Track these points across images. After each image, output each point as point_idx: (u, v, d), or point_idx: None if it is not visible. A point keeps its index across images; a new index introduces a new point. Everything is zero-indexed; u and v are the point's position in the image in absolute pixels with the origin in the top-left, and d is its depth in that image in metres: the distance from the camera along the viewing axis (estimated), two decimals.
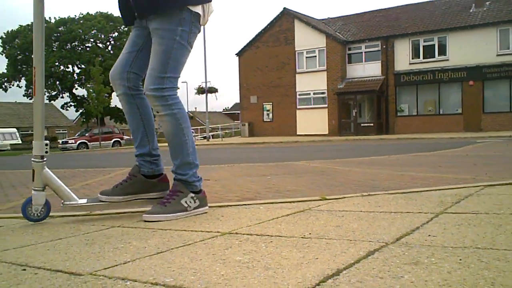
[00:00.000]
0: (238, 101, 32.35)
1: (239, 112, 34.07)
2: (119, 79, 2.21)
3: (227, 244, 1.59)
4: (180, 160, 2.18)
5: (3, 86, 39.08)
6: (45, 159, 2.19)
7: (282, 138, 23.95)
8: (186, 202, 2.18)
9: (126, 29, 40.36)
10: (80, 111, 41.28)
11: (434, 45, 24.47)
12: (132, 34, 2.23)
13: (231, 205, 2.54)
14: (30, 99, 39.72)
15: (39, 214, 2.21)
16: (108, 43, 40.67)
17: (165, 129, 2.14)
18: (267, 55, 28.42)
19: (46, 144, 2.19)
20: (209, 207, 2.49)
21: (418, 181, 3.69)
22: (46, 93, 39.48)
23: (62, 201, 2.26)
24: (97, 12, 40.34)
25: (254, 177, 4.52)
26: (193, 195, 2.22)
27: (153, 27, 2.07)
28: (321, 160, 7.17)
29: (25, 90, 39.02)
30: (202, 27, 2.19)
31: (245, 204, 2.57)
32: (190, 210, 2.21)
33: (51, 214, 2.58)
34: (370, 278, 1.14)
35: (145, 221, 2.12)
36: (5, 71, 39.03)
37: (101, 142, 29.00)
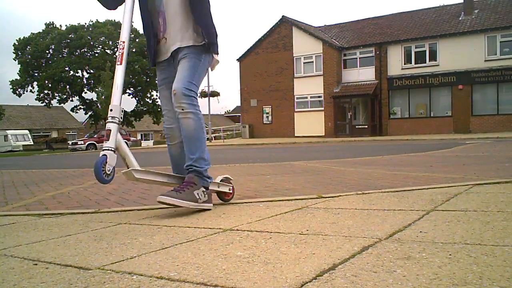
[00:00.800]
0: (239, 104, 32.34)
1: (240, 114, 34.07)
2: (179, 133, 2.41)
3: (228, 240, 1.59)
4: (198, 154, 2.29)
5: (17, 92, 39.04)
6: (120, 122, 2.16)
7: (280, 140, 23.94)
8: (197, 194, 2.25)
9: (133, 36, 40.34)
10: (89, 113, 41.28)
11: (425, 51, 24.47)
12: (167, 93, 2.44)
13: (232, 203, 2.54)
14: (42, 102, 39.66)
15: (109, 175, 2.08)
16: (115, 49, 40.71)
17: (188, 125, 2.27)
18: (267, 61, 28.41)
19: (122, 110, 2.17)
20: (212, 204, 2.50)
21: (410, 180, 3.69)
22: (56, 96, 39.56)
23: (128, 167, 2.20)
24: (106, 20, 40.41)
25: (254, 176, 4.51)
26: (204, 189, 2.30)
27: (183, 54, 2.34)
28: (318, 160, 7.16)
29: (37, 94, 38.98)
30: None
31: (245, 202, 2.57)
32: (200, 203, 2.26)
33: (61, 211, 2.59)
34: (365, 273, 1.14)
35: (160, 201, 2.14)
36: (17, 76, 39.02)
37: None
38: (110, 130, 2.09)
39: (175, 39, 2.38)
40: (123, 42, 2.22)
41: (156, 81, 2.57)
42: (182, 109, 2.25)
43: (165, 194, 2.16)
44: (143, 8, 2.40)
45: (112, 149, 2.08)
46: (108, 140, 2.08)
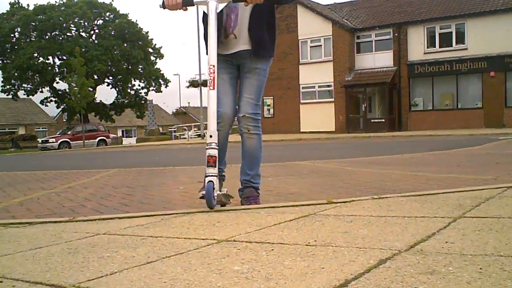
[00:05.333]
0: None
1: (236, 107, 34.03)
2: (230, 121, 2.88)
3: (224, 253, 1.59)
4: (255, 171, 2.88)
5: None
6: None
7: (284, 136, 23.95)
8: (260, 202, 2.85)
9: (112, 16, 40.22)
10: (62, 107, 41.19)
11: (451, 32, 24.43)
12: (226, 76, 2.87)
13: (228, 210, 2.54)
14: (7, 94, 39.57)
15: (215, 199, 2.58)
16: (92, 32, 40.57)
17: (251, 144, 2.87)
18: None
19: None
20: (203, 212, 2.50)
21: (434, 182, 3.69)
22: (23, 86, 39.43)
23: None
24: None
25: None
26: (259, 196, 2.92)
27: (254, 66, 2.86)
28: (327, 159, 7.17)
29: (1, 85, 38.85)
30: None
31: (243, 209, 2.57)
32: None
33: (29, 220, 2.59)
34: None
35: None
36: None
37: (85, 141, 28.99)
38: (216, 156, 2.48)
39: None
40: (213, 66, 2.55)
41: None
42: (248, 130, 2.84)
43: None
44: None
45: (216, 175, 2.47)
46: (214, 166, 2.46)
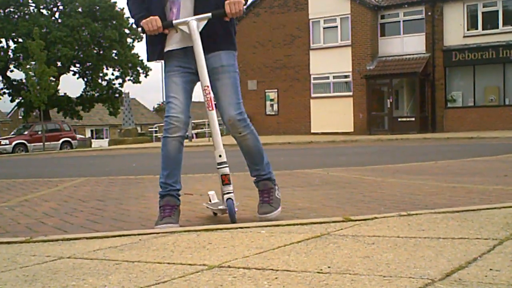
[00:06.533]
0: None
1: None
2: (184, 126, 3.12)
3: (216, 282, 1.59)
4: (262, 163, 3.25)
5: None
6: None
7: (290, 138, 23.95)
8: (278, 194, 3.23)
9: None
10: (17, 101, 41.22)
11: (497, 11, 24.45)
12: (179, 80, 3.13)
13: (221, 229, 2.54)
14: None
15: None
16: (55, 9, 40.64)
17: (248, 144, 3.20)
18: (271, 25, 28.43)
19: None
20: (190, 231, 2.50)
21: (475, 195, 3.69)
22: None
23: None
24: None
25: (253, 190, 4.49)
26: (277, 187, 3.29)
27: (219, 65, 3.16)
28: (344, 167, 7.17)
29: None
30: None
31: (240, 227, 2.57)
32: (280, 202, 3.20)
33: None
34: None
35: (269, 219, 2.91)
36: None
37: (46, 143, 28.99)
38: (229, 174, 2.98)
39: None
40: (207, 86, 3.02)
41: (165, 67, 3.18)
42: (240, 133, 3.14)
43: (264, 212, 3.05)
44: None
45: (233, 191, 2.97)
46: (229, 183, 2.96)
